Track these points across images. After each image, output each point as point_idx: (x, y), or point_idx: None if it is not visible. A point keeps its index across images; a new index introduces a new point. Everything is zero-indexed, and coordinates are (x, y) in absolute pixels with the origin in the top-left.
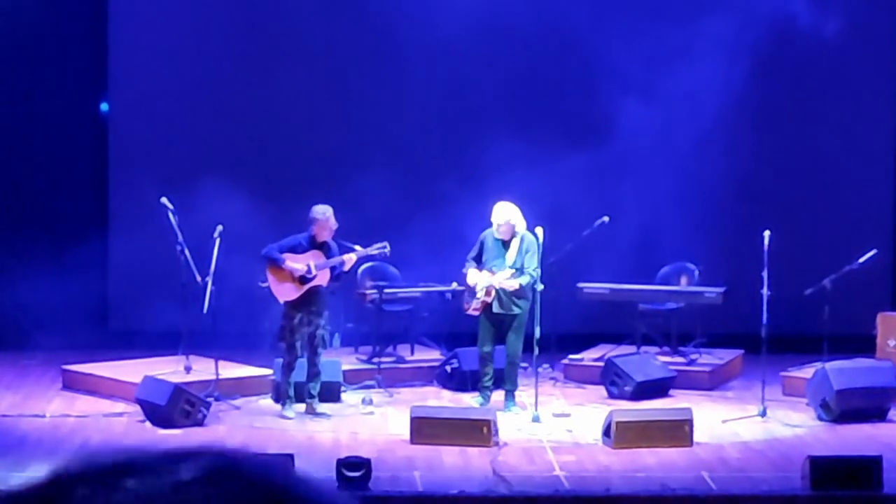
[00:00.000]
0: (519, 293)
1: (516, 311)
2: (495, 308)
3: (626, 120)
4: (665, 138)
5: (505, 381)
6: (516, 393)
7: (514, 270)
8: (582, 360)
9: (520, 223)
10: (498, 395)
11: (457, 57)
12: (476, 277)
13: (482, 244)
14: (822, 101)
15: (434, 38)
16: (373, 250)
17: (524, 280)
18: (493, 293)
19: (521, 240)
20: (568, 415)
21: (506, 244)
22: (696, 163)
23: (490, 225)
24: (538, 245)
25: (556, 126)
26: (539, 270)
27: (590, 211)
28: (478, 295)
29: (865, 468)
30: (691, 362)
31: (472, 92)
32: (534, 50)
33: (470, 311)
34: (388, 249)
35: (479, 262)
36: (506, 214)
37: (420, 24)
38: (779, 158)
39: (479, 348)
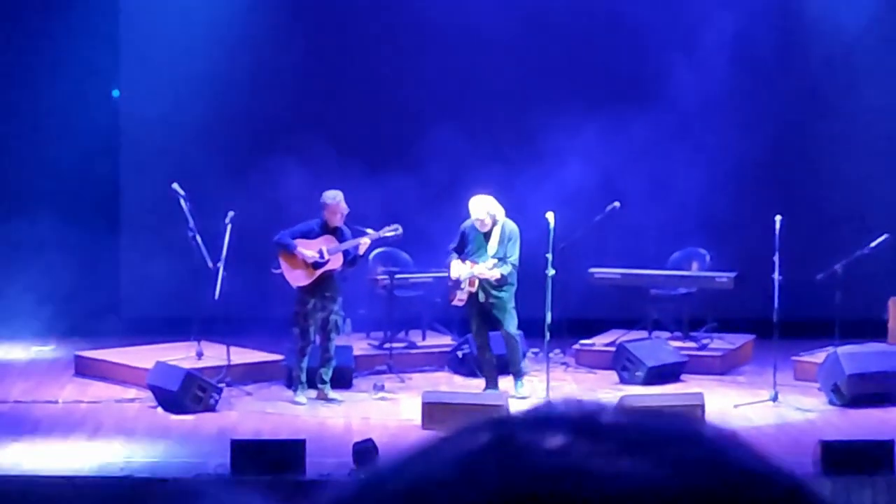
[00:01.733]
0: (501, 281)
1: (501, 295)
2: (480, 298)
3: (638, 109)
4: (676, 126)
5: (509, 364)
6: (525, 378)
7: (496, 260)
8: (593, 345)
9: (499, 213)
10: (506, 383)
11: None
12: (458, 270)
13: (463, 235)
14: (838, 87)
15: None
16: (385, 233)
17: (505, 269)
18: (477, 283)
19: (503, 229)
20: None
21: (487, 234)
22: (707, 148)
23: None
24: (520, 233)
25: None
26: (518, 259)
27: (601, 196)
28: (462, 286)
29: (877, 452)
30: (703, 347)
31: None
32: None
33: (455, 302)
34: (400, 231)
35: (460, 252)
36: (484, 208)
37: None
38: (791, 143)
39: (474, 339)
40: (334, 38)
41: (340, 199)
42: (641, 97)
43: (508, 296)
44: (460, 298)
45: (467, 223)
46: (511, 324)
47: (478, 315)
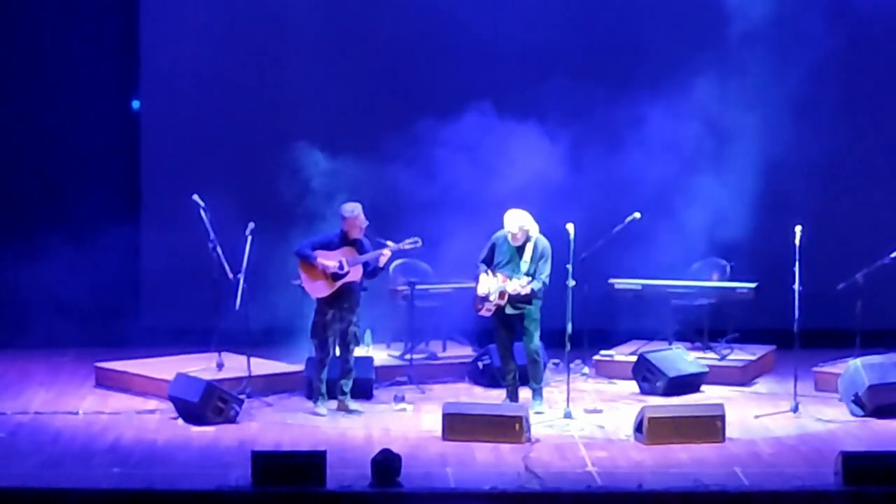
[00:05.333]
0: (530, 295)
1: (530, 308)
2: (508, 310)
3: (657, 119)
4: (696, 136)
5: (529, 379)
6: (544, 390)
7: (528, 278)
8: (613, 355)
9: (533, 228)
10: (526, 393)
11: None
12: (487, 285)
13: (493, 247)
14: (857, 97)
15: None
16: (405, 245)
17: (536, 285)
18: (507, 297)
19: (535, 245)
20: (600, 411)
21: (519, 249)
22: (727, 158)
23: (502, 226)
24: (551, 250)
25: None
26: (549, 277)
27: (621, 207)
28: (491, 298)
29: None
30: (723, 358)
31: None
32: None
33: (483, 313)
34: (419, 244)
35: (489, 264)
36: (519, 221)
37: None
38: (811, 152)
39: (498, 350)
40: (355, 45)
41: (359, 212)
42: (659, 107)
43: (535, 308)
44: (488, 309)
45: (499, 235)
46: (536, 336)
47: (504, 327)
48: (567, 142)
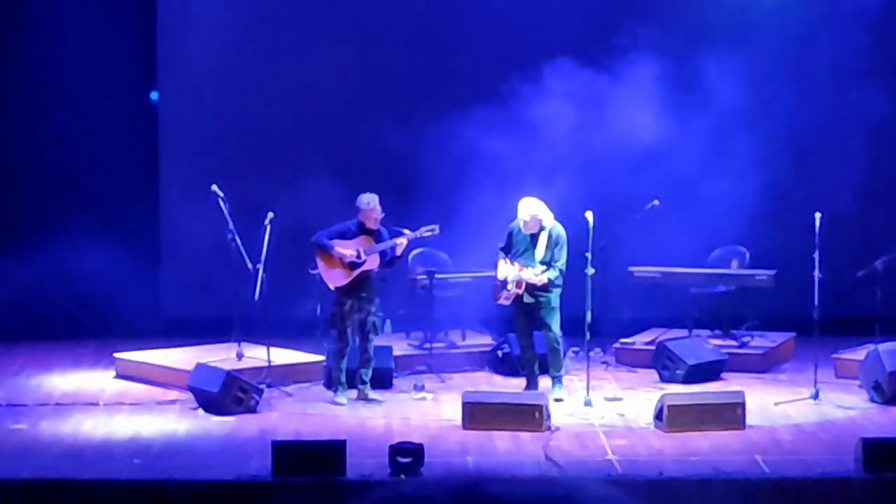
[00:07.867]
0: (548, 285)
1: (548, 296)
2: (526, 298)
3: (675, 105)
4: (715, 122)
5: (550, 367)
6: (564, 378)
7: (543, 267)
8: (633, 343)
9: (546, 217)
10: (546, 381)
11: None
12: (506, 271)
13: (510, 235)
14: (873, 78)
15: None
16: (423, 233)
17: (552, 274)
18: (524, 286)
19: (550, 233)
20: (620, 399)
21: (534, 237)
22: (746, 144)
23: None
24: (567, 237)
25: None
26: (565, 263)
27: (640, 194)
28: (508, 287)
29: None
30: (743, 345)
31: None
32: None
33: (501, 301)
34: (437, 231)
35: (507, 252)
36: (531, 210)
37: None
38: (830, 139)
39: (518, 338)
40: (371, 35)
41: (375, 204)
42: (677, 93)
43: (554, 296)
44: (506, 297)
45: (515, 223)
46: (555, 324)
47: (523, 315)
48: (585, 129)
